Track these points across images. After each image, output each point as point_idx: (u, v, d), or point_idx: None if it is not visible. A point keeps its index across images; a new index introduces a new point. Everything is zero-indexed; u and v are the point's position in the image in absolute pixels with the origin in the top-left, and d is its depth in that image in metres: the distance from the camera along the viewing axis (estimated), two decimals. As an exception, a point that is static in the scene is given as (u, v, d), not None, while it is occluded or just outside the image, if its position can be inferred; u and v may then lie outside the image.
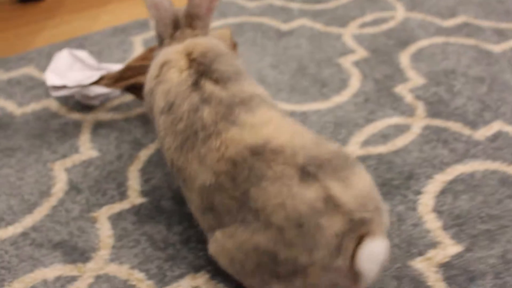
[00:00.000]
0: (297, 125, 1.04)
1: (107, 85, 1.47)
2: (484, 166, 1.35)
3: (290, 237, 0.90)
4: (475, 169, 1.34)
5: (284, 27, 1.97)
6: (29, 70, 1.76)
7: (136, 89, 1.47)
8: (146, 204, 1.27)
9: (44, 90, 1.66)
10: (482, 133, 1.46)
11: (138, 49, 1.85)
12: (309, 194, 0.90)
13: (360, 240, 0.90)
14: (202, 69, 1.09)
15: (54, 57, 1.55)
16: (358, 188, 0.93)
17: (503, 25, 1.94)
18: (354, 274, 0.92)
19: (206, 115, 1.02)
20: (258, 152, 0.96)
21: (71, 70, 1.52)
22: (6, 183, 1.34)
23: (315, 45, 1.85)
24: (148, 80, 1.17)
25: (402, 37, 1.89)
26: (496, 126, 1.48)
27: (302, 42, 1.87)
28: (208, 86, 1.06)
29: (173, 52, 1.15)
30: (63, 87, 1.45)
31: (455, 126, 1.48)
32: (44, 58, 1.81)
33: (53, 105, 1.60)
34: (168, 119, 1.07)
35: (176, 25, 1.21)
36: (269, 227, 0.91)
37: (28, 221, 1.24)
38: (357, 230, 0.90)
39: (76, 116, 1.56)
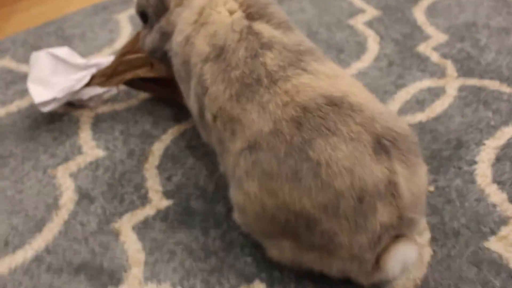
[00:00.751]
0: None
1: (101, 84, 1.29)
2: (538, 126, 1.23)
3: (345, 207, 0.80)
4: (530, 131, 1.22)
5: None
6: (5, 63, 1.55)
7: (137, 84, 1.30)
8: (173, 207, 1.11)
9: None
10: (523, 89, 1.34)
11: (125, 28, 1.65)
12: (377, 170, 0.80)
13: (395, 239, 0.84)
14: (255, 11, 0.97)
15: (32, 61, 1.32)
16: (417, 183, 0.85)
17: (514, -31, 1.81)
18: (375, 268, 0.86)
19: (269, 61, 0.90)
20: (335, 103, 0.84)
21: (55, 74, 1.30)
22: (4, 199, 1.15)
23: (320, 7, 1.69)
24: (183, 28, 1.02)
25: (411, -10, 1.73)
26: (536, 80, 1.36)
27: (305, 5, 1.71)
28: (266, 30, 0.95)
29: None
30: (53, 99, 1.25)
31: (492, 84, 1.36)
32: (20, 47, 1.60)
33: (40, 100, 1.40)
34: (216, 66, 0.94)
35: None
36: (327, 188, 0.80)
37: (39, 242, 1.06)
38: (400, 229, 0.84)
39: (71, 110, 1.37)
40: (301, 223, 0.83)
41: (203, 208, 1.10)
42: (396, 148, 0.83)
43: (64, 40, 1.61)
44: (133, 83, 1.31)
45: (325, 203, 0.80)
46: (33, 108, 1.37)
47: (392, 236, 0.84)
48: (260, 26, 0.96)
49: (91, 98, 1.33)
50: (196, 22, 1.00)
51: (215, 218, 1.08)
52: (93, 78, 1.29)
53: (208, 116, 0.95)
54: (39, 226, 1.09)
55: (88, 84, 1.28)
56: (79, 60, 1.34)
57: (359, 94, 0.88)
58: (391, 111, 0.90)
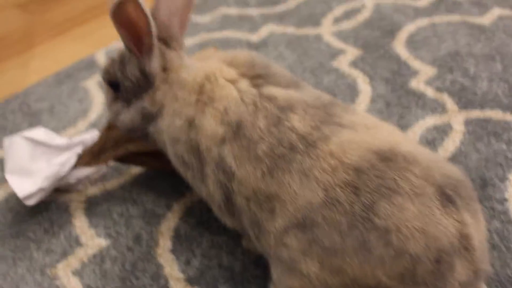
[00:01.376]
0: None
1: (89, 164, 1.16)
2: (558, 154, 1.20)
3: (423, 273, 0.72)
4: (551, 160, 1.19)
5: (254, 37, 1.72)
6: (-31, 150, 1.39)
7: (128, 158, 1.18)
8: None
9: (1, 171, 1.30)
10: (527, 116, 1.31)
11: (97, 96, 1.53)
12: (450, 225, 0.73)
13: None
14: (258, 75, 0.90)
15: (6, 148, 1.17)
16: (483, 230, 0.79)
17: (478, -5, 1.82)
18: None
19: (297, 123, 0.82)
20: (388, 157, 0.77)
21: (35, 160, 1.16)
22: (1, 312, 0.99)
23: (298, 52, 1.63)
24: (180, 110, 0.91)
25: (385, 26, 1.71)
26: (536, 105, 1.34)
27: (283, 50, 1.64)
28: (279, 93, 0.86)
29: (208, 69, 0.92)
30: (38, 191, 1.12)
31: (495, 114, 1.33)
32: (-16, 130, 1.44)
33: (19, 188, 1.25)
34: (237, 146, 0.83)
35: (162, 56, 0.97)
36: (401, 255, 0.72)
37: None
38: (474, 285, 0.77)
39: (57, 196, 1.22)
40: None
41: (246, 277, 0.99)
42: (459, 196, 0.76)
43: (32, 116, 1.46)
44: (123, 158, 1.19)
45: (401, 272, 0.72)
46: (13, 198, 1.22)
47: None
48: (271, 90, 0.87)
49: (79, 181, 1.20)
50: (198, 102, 0.89)
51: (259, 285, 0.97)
52: (79, 158, 1.16)
53: (240, 200, 0.85)
54: None
55: (74, 166, 1.15)
56: (59, 140, 1.20)
57: (404, 142, 0.81)
58: (438, 156, 0.82)
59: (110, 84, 1.02)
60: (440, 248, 0.72)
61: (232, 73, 0.91)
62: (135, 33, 0.90)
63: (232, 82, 0.89)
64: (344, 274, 0.74)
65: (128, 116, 1.01)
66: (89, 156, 1.17)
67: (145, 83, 0.97)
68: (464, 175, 0.81)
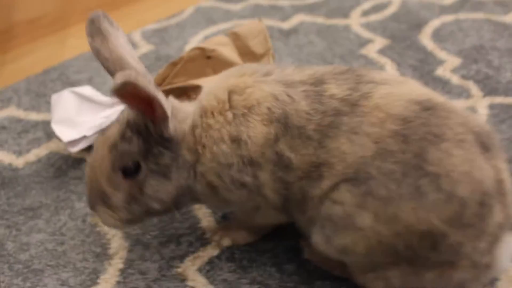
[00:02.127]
0: None
1: None
2: None
3: (470, 215, 0.77)
4: None
5: (285, 25, 1.78)
6: (11, 112, 1.44)
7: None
8: (237, 245, 1.03)
9: (42, 130, 1.36)
10: (549, 103, 1.36)
11: (133, 70, 1.58)
12: (489, 170, 0.78)
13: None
14: (269, 72, 0.90)
15: (54, 102, 1.24)
16: (510, 178, 0.83)
17: (502, -4, 1.88)
18: (486, 268, 0.82)
19: (335, 90, 0.84)
20: (429, 107, 0.81)
21: (80, 113, 1.23)
22: (45, 253, 1.04)
23: (328, 40, 1.69)
24: (222, 134, 0.86)
25: (411, 20, 1.77)
26: (559, 94, 1.39)
27: (313, 38, 1.70)
28: (298, 75, 0.89)
29: (225, 85, 0.90)
30: (82, 138, 1.17)
31: (518, 100, 1.37)
32: (25, 96, 1.50)
33: (60, 147, 1.30)
34: (290, 136, 0.84)
35: None
36: (451, 199, 0.76)
37: (98, 294, 0.96)
38: (508, 227, 0.81)
39: (96, 156, 1.27)
40: (426, 243, 0.78)
41: (270, 243, 1.03)
42: (492, 144, 0.82)
43: (72, 85, 1.52)
44: None
45: (451, 215, 0.77)
46: (54, 156, 1.28)
47: (503, 234, 0.81)
48: (291, 77, 0.88)
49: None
50: (235, 117, 0.86)
51: (286, 252, 1.01)
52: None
53: (295, 186, 0.85)
54: (93, 279, 0.99)
55: None
56: (104, 98, 1.26)
57: (438, 96, 0.86)
58: (467, 110, 0.88)
59: (126, 170, 0.88)
60: (484, 191, 0.77)
61: (248, 80, 0.89)
62: (145, 106, 0.82)
63: (255, 85, 0.88)
64: (398, 221, 0.78)
65: (170, 186, 0.90)
66: None
67: (171, 145, 0.88)
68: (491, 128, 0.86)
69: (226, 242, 1.02)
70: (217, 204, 0.97)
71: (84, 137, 1.17)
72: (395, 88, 0.85)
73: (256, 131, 0.85)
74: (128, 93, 0.77)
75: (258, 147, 0.85)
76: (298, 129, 0.84)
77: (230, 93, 0.88)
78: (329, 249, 0.85)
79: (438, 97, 0.85)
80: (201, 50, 1.21)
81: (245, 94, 0.87)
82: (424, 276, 0.82)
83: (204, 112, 0.88)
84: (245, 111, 0.86)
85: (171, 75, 1.21)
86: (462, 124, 0.80)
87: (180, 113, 0.89)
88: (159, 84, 1.21)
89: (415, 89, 0.86)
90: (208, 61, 1.21)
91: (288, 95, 0.86)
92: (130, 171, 0.87)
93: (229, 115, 0.86)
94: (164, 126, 0.86)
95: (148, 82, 0.78)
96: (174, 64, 1.24)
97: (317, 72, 0.89)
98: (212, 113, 0.87)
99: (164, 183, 0.89)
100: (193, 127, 0.88)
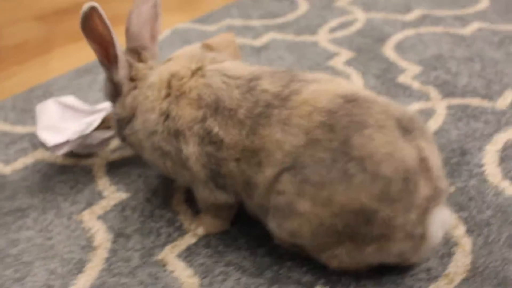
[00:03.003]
0: None
1: (110, 127, 1.30)
2: (529, 128, 1.36)
3: (395, 191, 0.86)
4: (523, 133, 1.34)
5: (257, 43, 1.89)
6: (-2, 126, 1.52)
7: None
8: (213, 234, 1.11)
9: (28, 141, 1.43)
10: (502, 103, 1.47)
11: (114, 86, 1.67)
12: (411, 150, 0.88)
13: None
14: (215, 60, 1.05)
15: (38, 111, 1.34)
16: (437, 156, 0.93)
17: (457, 12, 2.02)
18: (422, 240, 0.91)
19: (268, 85, 0.96)
20: (352, 99, 0.91)
21: (64, 120, 1.32)
22: (33, 247, 1.11)
23: (297, 54, 1.80)
24: (153, 106, 1.03)
25: (375, 35, 1.89)
26: (510, 94, 1.50)
27: (282, 53, 1.81)
28: (242, 69, 1.02)
29: (171, 68, 1.05)
30: (66, 142, 1.25)
31: (474, 101, 1.48)
32: (11, 112, 1.58)
33: (46, 155, 1.38)
34: (220, 117, 0.96)
35: (130, 67, 1.09)
36: (376, 178, 0.85)
37: (83, 281, 1.03)
38: (437, 199, 0.90)
39: (80, 161, 1.35)
40: (360, 220, 0.87)
41: (244, 232, 1.11)
42: (415, 128, 0.91)
43: (55, 101, 1.61)
44: None
45: (378, 193, 0.86)
46: (40, 163, 1.35)
47: (432, 207, 0.90)
48: (233, 70, 1.01)
49: (100, 143, 1.32)
50: (169, 96, 1.02)
51: (258, 238, 1.09)
52: (103, 121, 1.30)
53: (231, 165, 0.96)
54: (79, 268, 1.06)
55: (98, 128, 1.28)
56: (86, 106, 1.35)
57: (363, 90, 0.96)
58: (393, 102, 0.98)
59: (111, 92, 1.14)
60: (406, 168, 0.86)
61: (192, 66, 1.03)
62: (103, 45, 1.03)
63: (195, 73, 1.02)
64: (333, 203, 0.87)
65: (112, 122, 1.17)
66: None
67: (116, 91, 1.10)
68: (415, 112, 0.97)
69: (200, 231, 1.10)
70: (149, 162, 1.11)
71: (68, 141, 1.24)
72: (323, 85, 0.95)
73: (185, 112, 0.99)
74: (93, 26, 1.00)
75: (185, 122, 0.98)
76: (229, 111, 0.96)
77: (171, 76, 1.03)
78: (282, 234, 0.96)
79: (362, 92, 0.95)
80: None
81: (181, 81, 1.01)
82: (366, 251, 0.91)
83: (148, 85, 1.05)
84: (178, 94, 1.00)
85: None
86: (382, 112, 0.90)
87: (138, 74, 1.08)
88: None
89: (342, 86, 0.96)
90: None
91: (224, 82, 0.99)
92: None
93: (163, 92, 1.02)
94: (113, 69, 1.06)
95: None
96: None
97: (258, 70, 1.01)
98: (153, 87, 1.03)
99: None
100: (133, 91, 1.08)
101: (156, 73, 1.06)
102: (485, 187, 1.19)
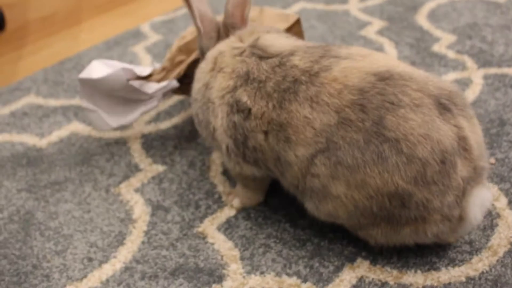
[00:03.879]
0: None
1: (161, 80, 1.24)
2: None
3: (432, 173, 0.83)
4: None
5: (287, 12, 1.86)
6: (31, 99, 1.52)
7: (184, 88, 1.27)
8: (252, 206, 1.11)
9: (61, 114, 1.44)
10: (541, 72, 1.44)
11: (145, 59, 1.67)
12: (448, 130, 0.85)
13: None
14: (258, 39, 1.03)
15: (86, 69, 1.20)
16: (479, 133, 0.90)
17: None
18: (460, 221, 0.89)
19: (298, 61, 0.94)
20: (386, 77, 0.88)
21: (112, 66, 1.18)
22: (73, 220, 1.12)
23: (329, 24, 1.77)
24: (200, 76, 1.06)
25: (407, 3, 1.85)
26: (549, 63, 1.47)
27: (314, 23, 1.78)
28: (281, 43, 1.00)
29: (222, 46, 1.06)
30: (117, 70, 1.15)
31: (511, 71, 1.45)
32: (42, 85, 1.58)
33: (80, 128, 1.39)
34: (250, 87, 0.96)
35: (218, 37, 1.12)
36: (412, 160, 0.83)
37: (125, 254, 1.04)
38: (476, 179, 0.88)
39: (114, 134, 1.36)
40: (396, 203, 0.86)
41: (283, 204, 1.11)
42: (454, 104, 0.88)
43: (86, 74, 1.60)
44: (180, 89, 1.27)
45: (414, 175, 0.83)
46: (75, 136, 1.36)
47: (472, 187, 0.88)
48: (270, 47, 0.99)
49: (156, 92, 1.22)
50: (212, 70, 1.04)
51: (298, 210, 1.08)
52: (152, 74, 1.25)
53: (259, 138, 0.95)
54: (119, 240, 1.07)
55: (146, 78, 1.22)
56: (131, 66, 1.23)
57: (400, 65, 0.92)
58: (433, 75, 0.94)
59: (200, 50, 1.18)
60: (443, 150, 0.84)
61: (240, 45, 1.03)
62: (192, 16, 1.12)
63: (239, 54, 1.02)
64: (368, 186, 0.86)
65: None
66: (161, 72, 1.26)
67: (202, 53, 1.13)
68: (457, 87, 0.92)
69: (236, 202, 1.10)
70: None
71: (120, 68, 1.15)
72: (356, 62, 0.91)
73: (219, 83, 1.00)
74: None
75: (218, 92, 1.00)
76: (258, 82, 0.95)
77: (219, 53, 1.05)
78: (320, 215, 0.95)
79: (399, 68, 0.90)
80: None
81: (221, 59, 1.03)
82: (402, 232, 0.90)
83: (206, 58, 1.08)
84: (218, 70, 1.02)
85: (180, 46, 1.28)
86: (419, 89, 0.86)
87: (210, 47, 1.11)
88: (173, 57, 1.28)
89: (377, 62, 0.91)
90: None
91: (256, 61, 0.98)
92: None
93: (209, 67, 1.05)
94: (200, 36, 1.13)
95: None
96: (182, 37, 1.31)
97: (296, 45, 0.99)
98: (205, 61, 1.07)
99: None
100: (202, 60, 1.11)
101: (213, 49, 1.07)
102: (526, 158, 1.16)
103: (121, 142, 1.33)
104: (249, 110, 0.95)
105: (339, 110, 0.87)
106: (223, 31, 1.12)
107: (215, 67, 1.04)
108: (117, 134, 1.35)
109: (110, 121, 1.21)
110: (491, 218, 1.04)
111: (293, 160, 0.92)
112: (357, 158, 0.85)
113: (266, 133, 0.94)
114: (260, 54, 0.99)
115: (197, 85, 1.07)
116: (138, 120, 1.36)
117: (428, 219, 0.88)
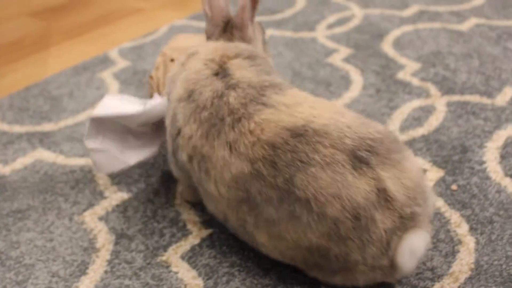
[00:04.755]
0: (334, 103, 0.98)
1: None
2: (529, 125, 1.36)
3: (345, 230, 0.84)
4: (523, 130, 1.35)
5: (255, 39, 1.88)
6: (-5, 126, 1.51)
7: None
8: (216, 233, 1.11)
9: (26, 141, 1.42)
10: (501, 99, 1.47)
11: (112, 85, 1.66)
12: (363, 184, 0.84)
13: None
14: (238, 55, 1.03)
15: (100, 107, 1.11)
16: (409, 177, 0.88)
17: (454, 8, 2.02)
18: (392, 268, 0.89)
19: (232, 99, 0.93)
20: (300, 133, 0.87)
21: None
22: (35, 249, 1.10)
23: (296, 51, 1.79)
24: (174, 67, 1.09)
25: (373, 31, 1.89)
26: (509, 91, 1.50)
27: (281, 50, 1.80)
28: (238, 73, 0.98)
29: (197, 48, 1.08)
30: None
31: (473, 98, 1.49)
32: (8, 111, 1.57)
33: (45, 155, 1.37)
34: (188, 106, 0.97)
35: (225, 28, 1.11)
36: (323, 219, 0.84)
37: (87, 284, 1.02)
38: (405, 227, 0.86)
39: (80, 162, 1.34)
40: (316, 255, 0.88)
41: (247, 231, 1.10)
42: (374, 154, 0.86)
43: (53, 100, 1.59)
44: None
45: (327, 232, 0.84)
46: (39, 163, 1.34)
47: (400, 236, 0.86)
48: (238, 73, 0.99)
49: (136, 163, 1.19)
50: (182, 65, 1.05)
51: (262, 238, 1.08)
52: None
53: (183, 156, 0.97)
54: (82, 270, 1.05)
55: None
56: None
57: (323, 115, 0.90)
58: (360, 119, 0.92)
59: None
60: (356, 206, 0.83)
61: (215, 54, 1.02)
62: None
63: (208, 60, 1.01)
64: (286, 239, 0.88)
65: None
66: None
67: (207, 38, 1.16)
68: (385, 131, 0.90)
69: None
70: None
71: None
72: (277, 114, 0.90)
73: (178, 84, 1.02)
74: None
75: (173, 94, 1.02)
76: (196, 106, 0.96)
77: (192, 53, 1.06)
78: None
79: (322, 119, 0.88)
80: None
81: (191, 60, 1.05)
82: (335, 279, 0.92)
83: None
84: (186, 67, 1.04)
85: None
86: (331, 145, 0.85)
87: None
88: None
89: (299, 114, 0.89)
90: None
91: (209, 79, 0.99)
92: None
93: (182, 60, 1.07)
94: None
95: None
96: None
97: (244, 78, 0.97)
98: (177, 61, 1.09)
99: None
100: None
101: (191, 48, 1.09)
102: (487, 184, 1.19)
103: (86, 170, 1.31)
104: (180, 129, 0.97)
105: (253, 161, 0.88)
106: (229, 27, 1.11)
107: (186, 62, 1.05)
108: (82, 162, 1.34)
109: (126, 157, 1.16)
110: (453, 245, 1.05)
111: (216, 195, 0.93)
112: (272, 214, 0.88)
113: (190, 157, 0.96)
114: (225, 79, 0.99)
115: (169, 73, 1.10)
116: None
117: (354, 269, 0.88)
